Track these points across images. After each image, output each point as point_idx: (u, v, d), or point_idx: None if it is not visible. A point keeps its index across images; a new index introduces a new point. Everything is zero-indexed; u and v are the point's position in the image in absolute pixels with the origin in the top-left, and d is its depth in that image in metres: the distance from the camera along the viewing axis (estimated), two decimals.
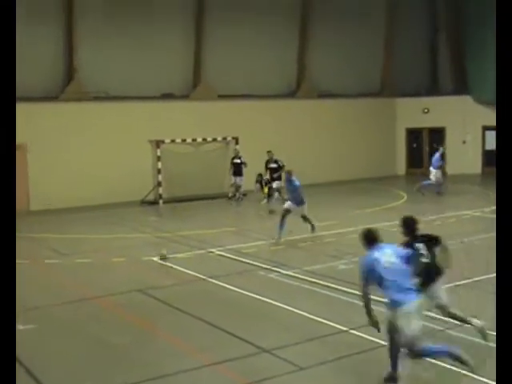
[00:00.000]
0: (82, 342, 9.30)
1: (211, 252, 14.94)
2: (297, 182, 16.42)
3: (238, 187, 23.83)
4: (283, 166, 22.46)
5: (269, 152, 23.43)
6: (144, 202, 24.01)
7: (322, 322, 9.57)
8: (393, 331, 7.13)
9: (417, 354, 7.02)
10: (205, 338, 9.20)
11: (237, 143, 25.54)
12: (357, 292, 10.86)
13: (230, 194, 24.20)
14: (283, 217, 15.98)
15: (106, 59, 24.27)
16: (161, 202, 23.98)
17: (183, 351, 8.73)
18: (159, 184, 24.23)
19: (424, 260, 8.07)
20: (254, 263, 13.64)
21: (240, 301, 11.02)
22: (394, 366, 7.28)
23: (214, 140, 25.68)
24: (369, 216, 19.37)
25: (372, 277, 7.11)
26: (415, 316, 6.94)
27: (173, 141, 24.62)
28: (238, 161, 23.83)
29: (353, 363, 8.12)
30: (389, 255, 7.17)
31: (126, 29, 24.70)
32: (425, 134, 31.10)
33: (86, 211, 21.50)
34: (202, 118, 25.63)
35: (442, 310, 8.33)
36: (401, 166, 31.63)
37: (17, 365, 8.25)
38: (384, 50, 30.90)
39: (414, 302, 6.97)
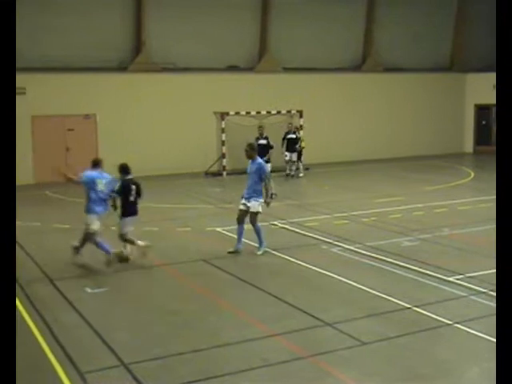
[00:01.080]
0: (148, 307, 9.56)
1: (274, 225, 15.01)
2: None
3: (291, 162, 23.49)
4: (272, 146, 22.28)
5: (260, 127, 23.01)
6: (208, 174, 24.28)
7: (384, 298, 9.53)
8: None
9: None
10: (267, 309, 9.29)
11: (301, 116, 25.43)
12: (421, 269, 10.86)
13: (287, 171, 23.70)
14: None
15: (174, 31, 24.50)
16: (224, 173, 24.19)
17: (245, 321, 8.84)
18: (223, 156, 24.43)
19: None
20: (317, 237, 13.65)
21: (302, 274, 11.06)
22: None
23: (278, 113, 25.64)
24: (435, 193, 19.08)
25: None
26: None
27: (237, 113, 24.72)
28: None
29: (415, 341, 8.07)
30: None
31: (192, 1, 24.80)
32: (494, 110, 30.12)
33: (153, 180, 21.85)
34: (267, 91, 25.61)
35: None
36: (468, 144, 30.87)
37: (83, 323, 8.64)
38: (454, 23, 30.05)
39: None
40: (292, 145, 23.17)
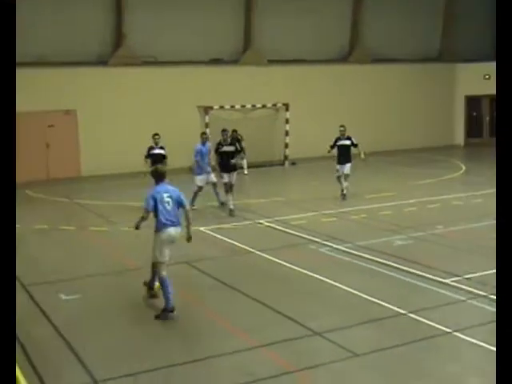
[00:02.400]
0: (124, 315, 8.90)
1: (259, 223, 14.37)
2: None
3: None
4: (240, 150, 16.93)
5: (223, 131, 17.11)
6: (192, 169, 23.55)
7: (377, 303, 8.91)
8: None
9: None
10: (251, 317, 8.66)
11: (287, 110, 24.78)
12: (416, 271, 10.25)
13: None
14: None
15: (155, 24, 23.76)
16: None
17: (228, 330, 8.20)
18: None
19: None
20: (304, 236, 13.02)
21: (290, 277, 10.42)
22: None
23: (264, 106, 24.97)
24: (426, 187, 18.52)
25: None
26: None
27: (221, 107, 24.05)
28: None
29: (411, 352, 7.45)
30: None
31: None
32: (485, 101, 29.58)
33: (135, 177, 21.10)
34: (252, 84, 24.90)
35: None
36: (459, 136, 30.27)
37: (56, 336, 7.96)
38: (443, 12, 29.40)
39: None
40: (345, 154, 17.04)
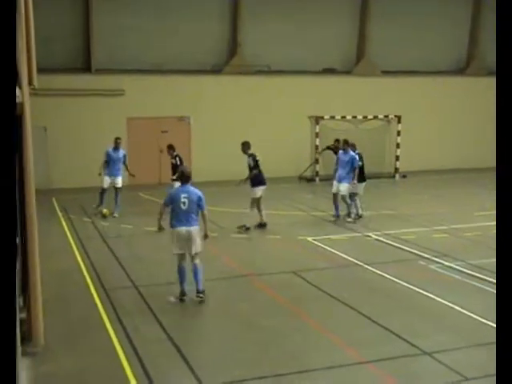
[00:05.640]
0: (231, 322, 9.06)
1: (368, 236, 14.23)
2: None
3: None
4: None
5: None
6: (301, 178, 23.69)
7: (491, 326, 8.56)
8: None
9: None
10: (357, 331, 8.58)
11: (399, 122, 24.40)
12: None
13: None
14: None
15: (269, 34, 24.09)
16: (317, 179, 23.53)
17: (333, 343, 8.17)
18: (317, 161, 23.78)
19: None
20: (414, 251, 12.76)
21: (398, 293, 10.23)
22: None
23: (375, 118, 24.70)
24: None
25: None
26: None
27: (332, 117, 24.01)
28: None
29: None
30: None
31: (288, 3, 24.27)
32: None
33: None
34: (364, 95, 24.72)
35: None
36: None
37: (167, 341, 8.21)
38: None
39: None
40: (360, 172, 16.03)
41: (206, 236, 9.87)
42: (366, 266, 11.67)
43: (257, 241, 13.96)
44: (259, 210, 14.96)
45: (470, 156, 26.56)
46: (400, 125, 24.36)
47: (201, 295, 9.66)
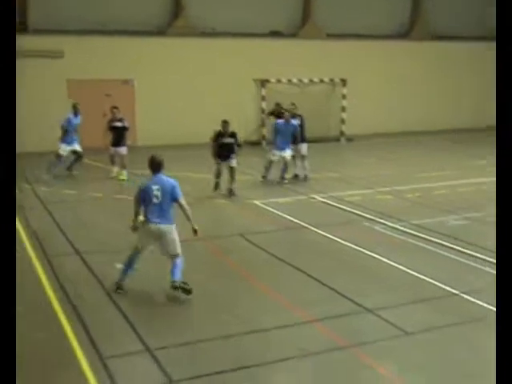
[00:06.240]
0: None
1: (314, 198, 14.44)
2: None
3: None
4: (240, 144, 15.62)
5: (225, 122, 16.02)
6: (247, 143, 23.68)
7: (430, 283, 8.92)
8: None
9: None
10: (304, 292, 8.78)
11: (344, 85, 24.58)
12: (470, 252, 10.19)
13: None
14: None
15: None
16: (264, 142, 23.59)
17: (281, 304, 8.34)
18: (263, 124, 23.80)
19: None
20: (359, 213, 13.03)
21: (343, 254, 10.48)
22: None
23: (321, 81, 24.81)
24: (483, 168, 18.17)
25: None
26: None
27: (278, 80, 24.00)
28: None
29: (463, 332, 7.48)
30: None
31: None
32: None
33: (190, 149, 21.34)
34: (309, 58, 24.71)
35: None
36: None
37: (112, 307, 8.21)
38: None
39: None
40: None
41: (194, 231, 8.43)
42: (313, 228, 11.88)
43: (205, 205, 13.96)
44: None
45: (415, 119, 26.99)
46: (345, 88, 24.54)
47: (176, 284, 8.31)
